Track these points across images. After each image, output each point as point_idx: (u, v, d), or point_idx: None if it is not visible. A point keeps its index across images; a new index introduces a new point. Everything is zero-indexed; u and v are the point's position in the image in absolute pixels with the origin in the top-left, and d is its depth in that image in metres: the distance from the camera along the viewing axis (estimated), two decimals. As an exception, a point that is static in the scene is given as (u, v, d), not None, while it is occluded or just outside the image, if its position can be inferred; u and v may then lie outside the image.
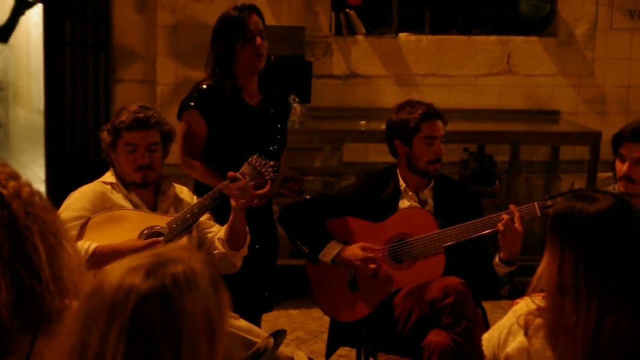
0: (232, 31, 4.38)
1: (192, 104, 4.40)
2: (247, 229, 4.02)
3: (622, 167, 3.96)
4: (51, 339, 2.15)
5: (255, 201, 4.15)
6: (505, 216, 3.91)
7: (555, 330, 2.45)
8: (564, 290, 2.43)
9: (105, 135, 4.00)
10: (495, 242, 4.01)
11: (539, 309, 2.51)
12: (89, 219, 3.83)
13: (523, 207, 3.96)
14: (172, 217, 3.90)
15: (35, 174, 8.04)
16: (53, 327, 2.14)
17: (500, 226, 3.90)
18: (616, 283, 2.41)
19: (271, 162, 4.12)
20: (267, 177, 4.10)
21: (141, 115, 3.97)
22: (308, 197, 6.15)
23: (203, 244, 4.01)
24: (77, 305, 1.73)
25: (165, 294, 1.68)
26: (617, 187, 4.07)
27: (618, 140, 4.00)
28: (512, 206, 3.95)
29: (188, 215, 3.90)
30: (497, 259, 4.00)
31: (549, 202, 3.89)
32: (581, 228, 2.45)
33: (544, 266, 2.50)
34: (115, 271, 1.71)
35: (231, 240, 3.97)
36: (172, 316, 1.68)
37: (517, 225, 3.88)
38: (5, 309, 2.02)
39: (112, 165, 4.04)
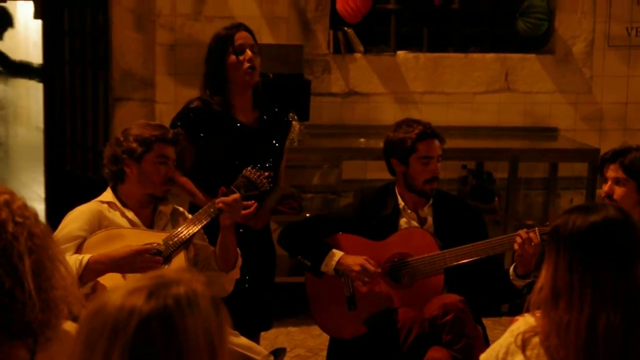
0: (221, 47, 4.40)
1: (179, 123, 4.41)
2: (239, 251, 4.01)
3: (604, 187, 4.07)
4: (49, 355, 2.17)
5: (251, 222, 4.16)
6: (519, 239, 3.92)
7: (548, 332, 2.45)
8: (559, 293, 2.44)
9: (134, 146, 3.92)
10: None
11: (536, 326, 2.51)
12: (85, 238, 3.83)
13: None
14: (169, 234, 3.90)
15: (34, 192, 8.05)
16: (50, 345, 2.16)
17: (516, 247, 3.93)
18: (609, 279, 2.42)
19: (266, 174, 4.12)
20: (261, 189, 4.10)
21: (171, 131, 4.02)
22: (308, 215, 6.17)
23: (198, 263, 4.01)
24: (79, 325, 1.73)
25: (167, 315, 1.70)
26: None
27: (601, 163, 4.13)
28: (521, 232, 3.97)
29: (184, 231, 3.91)
30: (513, 275, 4.01)
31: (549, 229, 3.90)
32: (577, 233, 2.47)
33: (541, 277, 2.52)
34: (116, 292, 1.72)
35: (221, 259, 3.97)
36: (173, 336, 1.69)
37: (529, 249, 3.91)
38: None
39: (118, 180, 4.00)
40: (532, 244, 3.90)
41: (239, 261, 4.02)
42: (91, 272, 3.60)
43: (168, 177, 3.95)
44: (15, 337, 2.13)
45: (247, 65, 4.36)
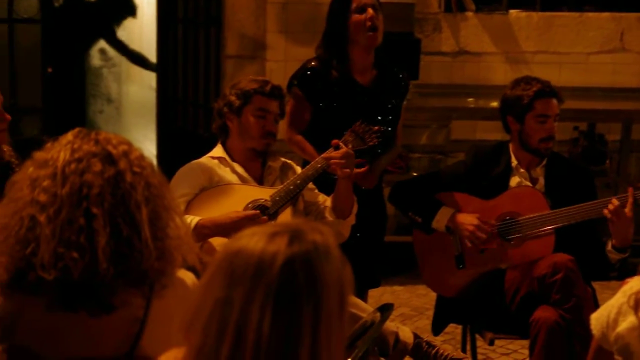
0: (342, 7, 4.35)
1: (296, 82, 4.42)
2: (355, 197, 4.03)
3: None
4: (164, 302, 2.23)
5: (361, 182, 4.16)
6: (615, 202, 3.87)
7: None
8: None
9: (233, 99, 3.98)
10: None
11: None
12: (195, 195, 3.88)
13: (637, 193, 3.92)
14: (276, 190, 3.94)
15: (146, 149, 8.19)
16: (165, 292, 2.22)
17: (607, 213, 3.87)
18: None
19: (375, 128, 4.10)
20: (369, 144, 4.09)
21: (275, 84, 4.03)
22: (415, 174, 6.16)
23: (310, 213, 4.05)
24: (213, 265, 1.77)
25: (309, 259, 1.73)
26: None
27: None
28: (630, 189, 3.91)
29: (291, 187, 3.92)
30: (609, 245, 3.96)
31: None
32: None
33: None
34: (254, 237, 1.75)
35: (338, 208, 3.99)
36: (314, 280, 1.72)
37: (627, 210, 3.86)
38: (103, 254, 2.11)
39: (224, 134, 4.06)
40: (626, 209, 3.84)
41: (355, 207, 4.04)
42: (197, 235, 3.63)
43: (267, 130, 3.97)
44: (132, 285, 2.18)
45: (369, 24, 4.29)
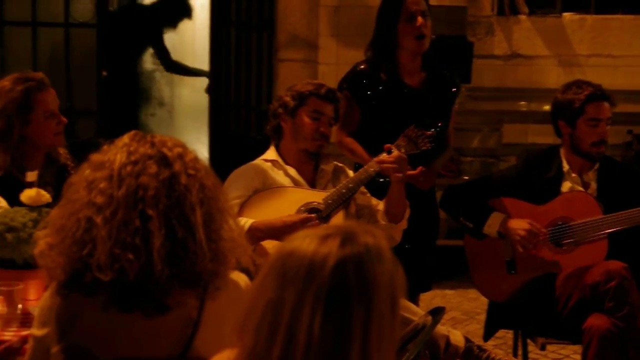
0: (392, 12, 4.36)
1: (345, 85, 4.44)
2: (407, 202, 4.04)
3: None
4: (218, 304, 2.25)
5: (417, 182, 4.16)
6: None
7: None
8: None
9: (288, 100, 4.02)
10: None
11: None
12: (248, 197, 3.91)
13: None
14: (329, 193, 3.95)
15: (199, 152, 8.20)
16: (219, 294, 2.24)
17: None
18: None
19: (428, 133, 4.10)
20: (422, 148, 4.09)
21: (330, 88, 4.06)
22: (466, 178, 6.14)
23: (362, 217, 4.05)
24: (266, 266, 1.79)
25: (360, 261, 1.74)
26: None
27: None
28: None
29: (344, 190, 3.93)
30: None
31: None
32: None
33: None
34: (306, 239, 1.77)
35: (390, 212, 3.99)
36: (366, 281, 1.73)
37: None
38: (158, 256, 2.13)
39: (277, 136, 4.09)
40: None
41: (408, 212, 4.05)
42: (251, 237, 3.64)
43: (320, 132, 3.99)
44: (187, 286, 2.20)
45: (417, 33, 4.30)
